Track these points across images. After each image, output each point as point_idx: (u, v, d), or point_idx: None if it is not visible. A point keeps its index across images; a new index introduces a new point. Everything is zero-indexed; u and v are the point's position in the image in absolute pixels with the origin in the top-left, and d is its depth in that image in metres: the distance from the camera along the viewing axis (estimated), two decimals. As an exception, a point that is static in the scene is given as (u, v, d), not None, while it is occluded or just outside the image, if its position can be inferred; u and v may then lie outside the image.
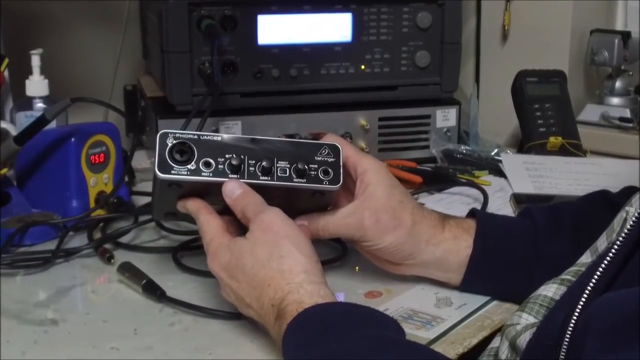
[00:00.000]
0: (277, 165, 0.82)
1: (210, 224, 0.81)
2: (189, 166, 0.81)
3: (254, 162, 0.82)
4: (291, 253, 0.76)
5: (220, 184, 0.81)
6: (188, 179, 0.81)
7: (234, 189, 0.81)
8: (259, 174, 0.82)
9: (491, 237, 0.89)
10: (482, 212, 0.97)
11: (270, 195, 0.83)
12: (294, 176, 0.82)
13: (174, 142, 0.81)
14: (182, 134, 0.82)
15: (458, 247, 0.89)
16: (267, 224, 0.78)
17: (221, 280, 0.80)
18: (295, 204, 0.86)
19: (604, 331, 0.56)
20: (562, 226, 0.89)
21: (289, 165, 0.82)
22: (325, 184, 0.83)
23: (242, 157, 0.82)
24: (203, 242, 0.82)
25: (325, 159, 0.83)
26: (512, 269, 0.88)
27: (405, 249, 0.87)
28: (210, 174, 0.81)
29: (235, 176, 0.81)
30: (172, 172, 0.81)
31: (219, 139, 0.82)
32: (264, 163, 0.82)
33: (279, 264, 0.75)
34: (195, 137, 0.82)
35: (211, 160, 0.81)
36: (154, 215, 0.99)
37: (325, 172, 0.83)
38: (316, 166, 0.83)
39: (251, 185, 0.82)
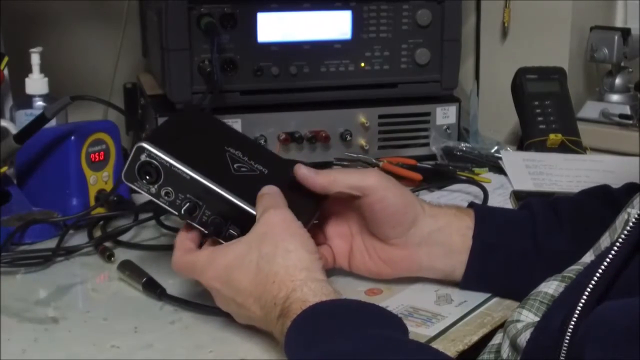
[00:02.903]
0: (228, 226, 0.82)
1: (185, 257, 0.82)
2: (151, 187, 0.83)
3: (209, 213, 0.83)
4: (297, 249, 0.76)
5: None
6: (146, 196, 0.84)
7: (270, 189, 0.83)
8: (209, 224, 0.82)
9: (490, 231, 0.89)
10: (480, 206, 0.97)
11: None
12: None
13: (146, 159, 0.82)
14: (156, 155, 0.82)
15: (459, 224, 0.89)
16: (276, 219, 0.78)
17: (218, 291, 0.79)
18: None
19: (604, 341, 0.56)
20: (561, 219, 0.89)
21: (239, 231, 0.82)
22: None
23: (200, 204, 0.82)
24: (193, 275, 0.82)
25: None
26: (511, 262, 0.88)
27: (409, 212, 0.87)
28: (167, 204, 0.83)
29: (189, 217, 0.83)
30: (135, 184, 0.84)
31: (188, 177, 0.82)
32: (216, 220, 0.82)
33: (285, 260, 0.75)
34: (167, 164, 0.82)
35: (172, 192, 0.83)
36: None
37: None
38: None
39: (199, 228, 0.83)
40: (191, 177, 0.82)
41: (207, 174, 0.83)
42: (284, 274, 0.74)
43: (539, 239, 0.88)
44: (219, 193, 0.82)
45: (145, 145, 0.82)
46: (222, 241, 0.82)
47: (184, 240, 0.83)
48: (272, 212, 0.79)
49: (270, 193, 0.82)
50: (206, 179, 0.82)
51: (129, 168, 0.83)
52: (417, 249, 0.89)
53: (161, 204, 0.84)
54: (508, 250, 0.88)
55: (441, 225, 0.89)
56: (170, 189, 0.83)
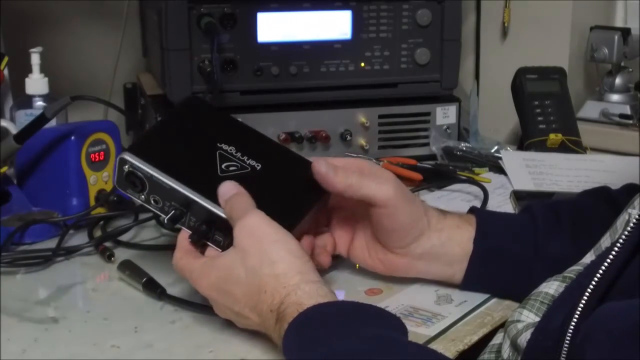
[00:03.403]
0: (213, 233, 0.82)
1: (183, 260, 0.82)
2: (140, 194, 0.84)
3: (194, 220, 0.83)
4: (283, 257, 0.75)
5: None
6: (138, 202, 0.85)
7: (228, 191, 0.81)
8: (197, 230, 0.82)
9: (491, 236, 0.89)
10: (482, 210, 0.97)
11: None
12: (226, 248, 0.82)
13: (129, 170, 0.83)
14: (137, 167, 0.82)
15: (461, 236, 0.89)
16: (251, 230, 0.77)
17: (214, 301, 0.79)
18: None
19: (605, 342, 0.56)
20: (562, 224, 0.89)
21: (223, 237, 0.82)
22: None
23: (185, 211, 0.83)
24: (190, 281, 0.82)
25: None
26: (512, 267, 0.88)
27: (415, 227, 0.87)
28: (157, 210, 0.84)
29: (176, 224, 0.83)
30: (127, 191, 0.85)
31: (168, 187, 0.82)
32: (202, 226, 0.82)
33: (272, 269, 0.74)
34: (149, 175, 0.82)
35: (159, 200, 0.84)
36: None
37: None
38: None
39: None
40: (171, 187, 0.82)
41: (189, 181, 0.82)
42: (275, 282, 0.74)
43: (539, 242, 0.88)
44: (198, 202, 0.82)
45: (126, 157, 0.83)
46: (212, 245, 0.82)
47: (186, 240, 0.83)
48: (243, 222, 0.77)
49: (231, 198, 0.80)
50: (185, 188, 0.82)
51: (118, 178, 0.84)
52: (417, 259, 0.89)
53: (152, 209, 0.85)
54: (508, 253, 0.88)
55: (444, 240, 0.89)
56: (157, 196, 0.83)
